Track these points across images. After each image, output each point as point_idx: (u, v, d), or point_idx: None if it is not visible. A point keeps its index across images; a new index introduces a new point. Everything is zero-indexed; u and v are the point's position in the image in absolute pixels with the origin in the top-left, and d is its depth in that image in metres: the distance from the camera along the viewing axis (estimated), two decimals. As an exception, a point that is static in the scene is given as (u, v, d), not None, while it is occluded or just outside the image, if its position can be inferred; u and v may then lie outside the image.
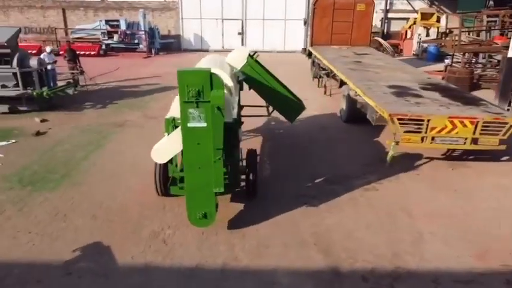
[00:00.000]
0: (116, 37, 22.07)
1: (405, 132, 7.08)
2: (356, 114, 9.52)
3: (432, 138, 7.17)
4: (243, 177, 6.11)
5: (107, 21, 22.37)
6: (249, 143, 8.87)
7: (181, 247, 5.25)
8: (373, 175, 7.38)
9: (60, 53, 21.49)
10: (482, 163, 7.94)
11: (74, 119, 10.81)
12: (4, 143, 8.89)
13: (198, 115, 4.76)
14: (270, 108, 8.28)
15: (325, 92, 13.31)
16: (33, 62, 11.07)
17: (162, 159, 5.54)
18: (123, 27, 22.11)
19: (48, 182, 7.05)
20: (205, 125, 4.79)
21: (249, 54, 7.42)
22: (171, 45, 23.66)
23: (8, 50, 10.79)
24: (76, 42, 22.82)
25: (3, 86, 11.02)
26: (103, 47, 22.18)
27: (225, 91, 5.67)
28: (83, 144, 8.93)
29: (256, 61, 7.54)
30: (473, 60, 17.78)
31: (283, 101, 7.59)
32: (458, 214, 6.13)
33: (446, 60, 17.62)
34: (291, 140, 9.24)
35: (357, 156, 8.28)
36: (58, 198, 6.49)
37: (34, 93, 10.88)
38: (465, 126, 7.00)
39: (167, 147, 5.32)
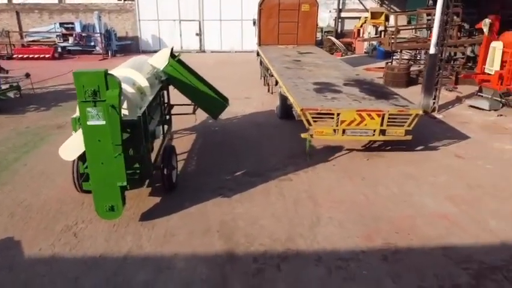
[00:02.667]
0: (71, 40, 21.98)
1: (317, 125, 7.57)
2: (287, 110, 9.98)
3: (344, 131, 7.68)
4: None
5: (61, 24, 22.28)
6: (181, 141, 9.27)
7: (90, 239, 5.54)
8: (292, 167, 7.85)
9: (14, 56, 21.36)
10: (396, 153, 8.54)
11: (14, 121, 10.89)
12: None
13: (96, 114, 5.06)
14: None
15: (268, 90, 13.79)
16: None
17: (70, 157, 5.82)
18: (78, 29, 22.06)
19: (-22, 182, 7.20)
20: (103, 122, 5.09)
21: (172, 55, 7.76)
22: (129, 46, 23.73)
23: None
24: (31, 45, 22.65)
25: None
26: (59, 49, 22.07)
27: (133, 91, 6.02)
28: (18, 146, 9.07)
29: (179, 61, 7.88)
30: (418, 57, 18.69)
31: (206, 99, 7.96)
32: (360, 200, 6.65)
33: (394, 58, 18.46)
34: (223, 137, 9.63)
35: (282, 151, 8.73)
36: (-21, 198, 6.67)
37: (-27, 97, 10.90)
38: (372, 118, 7.54)
39: (74, 145, 5.60)
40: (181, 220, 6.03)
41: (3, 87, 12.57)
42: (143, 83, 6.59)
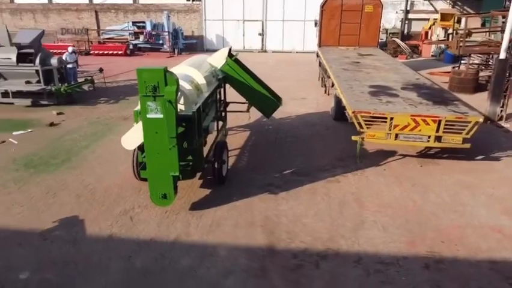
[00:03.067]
0: (141, 38, 23.39)
1: (369, 128, 7.51)
2: (342, 112, 9.94)
3: (397, 136, 7.53)
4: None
5: (134, 23, 23.77)
6: (235, 137, 9.60)
7: (143, 223, 6.01)
8: (341, 169, 7.85)
9: (91, 52, 23.18)
10: (453, 161, 8.19)
11: (87, 112, 11.93)
12: (21, 132, 10.07)
13: (155, 107, 5.49)
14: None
15: (325, 92, 13.76)
16: (53, 61, 12.29)
17: (130, 147, 6.34)
18: (148, 28, 23.41)
19: (49, 166, 8.05)
20: (161, 116, 5.51)
21: (229, 55, 8.10)
22: (194, 45, 24.74)
23: (32, 50, 12.05)
24: (107, 42, 24.43)
25: (28, 82, 12.31)
26: (130, 47, 23.58)
27: (190, 88, 6.40)
28: (89, 135, 9.96)
29: (236, 61, 8.20)
30: (490, 62, 17.54)
31: (260, 98, 8.20)
32: (408, 206, 6.52)
33: (462, 62, 17.51)
34: (276, 136, 9.83)
35: (333, 152, 8.74)
36: (53, 180, 7.45)
37: (53, 88, 12.09)
38: (427, 124, 7.32)
39: (134, 135, 6.10)
40: (228, 212, 6.32)
41: (80, 80, 13.81)
42: (201, 80, 6.97)
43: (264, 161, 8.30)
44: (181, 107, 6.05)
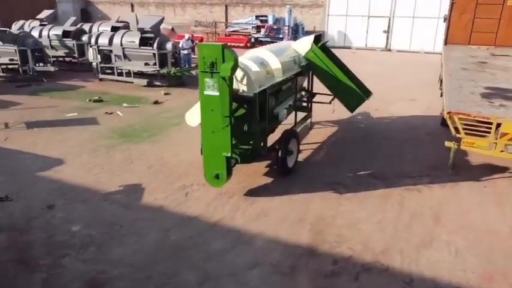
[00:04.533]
0: (262, 31, 23.94)
1: (467, 134, 6.25)
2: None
3: (505, 147, 6.12)
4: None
5: (257, 17, 24.46)
6: (320, 131, 9.05)
7: (195, 201, 6.00)
8: (427, 178, 6.74)
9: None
10: None
11: (190, 94, 12.61)
12: (129, 106, 11.13)
13: (212, 84, 5.39)
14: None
15: (441, 95, 12.08)
16: (168, 46, 13.29)
17: (192, 123, 6.37)
18: (270, 22, 23.84)
19: (138, 137, 8.68)
20: (217, 93, 5.39)
21: (317, 41, 7.60)
22: (314, 40, 24.37)
23: (152, 35, 13.22)
24: (232, 35, 25.69)
25: (146, 64, 13.56)
26: (252, 40, 24.35)
27: (258, 69, 6.14)
28: (183, 114, 10.44)
29: (324, 48, 7.66)
30: None
31: (343, 89, 7.54)
32: (500, 232, 5.23)
33: None
34: (365, 135, 8.96)
35: (425, 159, 7.57)
36: (136, 149, 8.01)
37: (165, 71, 13.09)
38: (549, 137, 5.78)
39: (197, 112, 6.10)
40: (281, 204, 5.92)
41: (193, 65, 14.70)
42: (275, 65, 6.66)
43: (341, 158, 7.62)
44: (243, 87, 5.86)
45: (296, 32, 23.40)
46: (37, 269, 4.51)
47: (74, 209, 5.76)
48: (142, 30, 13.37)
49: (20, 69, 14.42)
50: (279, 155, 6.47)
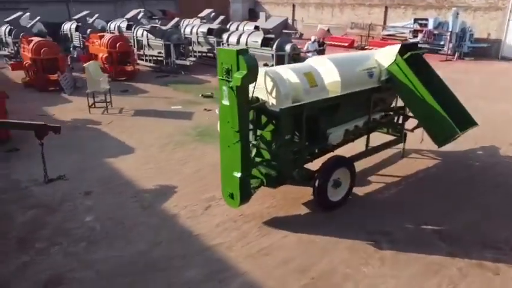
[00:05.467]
0: (420, 36, 21.21)
1: None
2: None
3: None
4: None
5: (416, 20, 21.77)
6: (413, 163, 7.33)
7: (210, 217, 5.53)
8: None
9: (365, 47, 23.01)
10: None
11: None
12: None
13: (227, 93, 4.79)
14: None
15: None
16: (287, 47, 12.88)
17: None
18: (430, 26, 20.92)
19: (210, 138, 8.40)
20: (228, 103, 4.77)
21: (406, 51, 6.11)
22: (484, 50, 20.39)
23: (273, 36, 13.02)
24: (386, 39, 23.63)
25: (265, 65, 13.44)
26: (407, 45, 21.84)
27: (297, 80, 5.25)
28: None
29: (415, 60, 6.11)
30: None
31: (429, 116, 5.85)
32: None
33: None
34: (471, 176, 6.87)
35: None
36: (199, 150, 7.96)
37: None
38: None
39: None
40: (295, 244, 4.95)
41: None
42: (331, 76, 5.57)
43: (413, 202, 5.97)
44: (272, 100, 5.06)
45: (462, 38, 19.93)
46: (28, 251, 4.80)
47: (103, 200, 5.98)
48: (265, 31, 13.30)
49: (164, 61, 16.13)
50: (316, 184, 5.42)
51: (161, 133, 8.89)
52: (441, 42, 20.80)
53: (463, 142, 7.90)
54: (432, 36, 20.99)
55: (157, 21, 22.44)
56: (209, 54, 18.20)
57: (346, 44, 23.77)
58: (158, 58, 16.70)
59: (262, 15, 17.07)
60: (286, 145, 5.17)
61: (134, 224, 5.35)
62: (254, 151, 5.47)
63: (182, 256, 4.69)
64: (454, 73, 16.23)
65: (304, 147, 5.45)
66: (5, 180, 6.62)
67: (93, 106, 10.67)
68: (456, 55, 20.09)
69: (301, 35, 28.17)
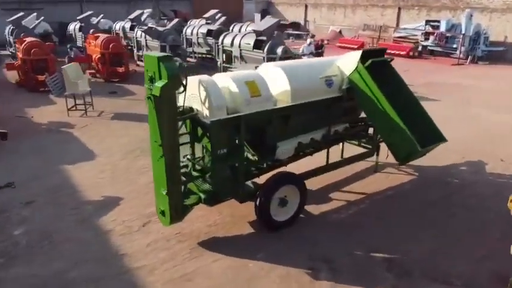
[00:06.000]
0: (431, 39, 20.28)
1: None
2: None
3: None
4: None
5: (427, 22, 20.84)
6: (384, 179, 6.77)
7: (144, 234, 5.18)
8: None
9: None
10: None
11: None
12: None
13: (148, 103, 4.41)
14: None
15: None
16: (278, 50, 12.38)
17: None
18: (442, 28, 19.97)
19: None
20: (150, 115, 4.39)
21: (367, 58, 5.59)
22: (499, 53, 19.30)
23: (264, 38, 12.54)
24: (397, 41, 22.80)
25: (257, 67, 13.00)
26: (419, 48, 20.97)
27: (236, 90, 4.83)
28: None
29: (377, 67, 5.59)
30: None
31: (389, 130, 5.31)
32: None
33: None
34: (444, 196, 6.24)
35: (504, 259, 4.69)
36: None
37: (270, 76, 12.27)
38: None
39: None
40: (224, 270, 4.51)
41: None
42: (280, 85, 5.12)
43: (369, 225, 5.43)
44: (206, 111, 4.65)
45: (476, 41, 18.89)
46: None
47: (41, 211, 5.72)
48: (257, 32, 12.85)
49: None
50: (256, 201, 4.98)
51: (133, 138, 8.59)
52: (454, 45, 19.85)
53: (449, 156, 7.33)
54: (445, 39, 20.02)
55: (165, 21, 22.36)
56: (208, 56, 17.89)
57: (356, 46, 22.98)
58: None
59: (257, 16, 16.62)
60: (221, 160, 4.75)
61: (64, 239, 5.05)
62: (190, 165, 5.09)
63: (98, 279, 4.34)
64: (463, 78, 15.42)
65: (244, 162, 5.01)
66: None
67: (74, 109, 10.51)
68: (469, 59, 19.11)
69: (313, 36, 27.55)
